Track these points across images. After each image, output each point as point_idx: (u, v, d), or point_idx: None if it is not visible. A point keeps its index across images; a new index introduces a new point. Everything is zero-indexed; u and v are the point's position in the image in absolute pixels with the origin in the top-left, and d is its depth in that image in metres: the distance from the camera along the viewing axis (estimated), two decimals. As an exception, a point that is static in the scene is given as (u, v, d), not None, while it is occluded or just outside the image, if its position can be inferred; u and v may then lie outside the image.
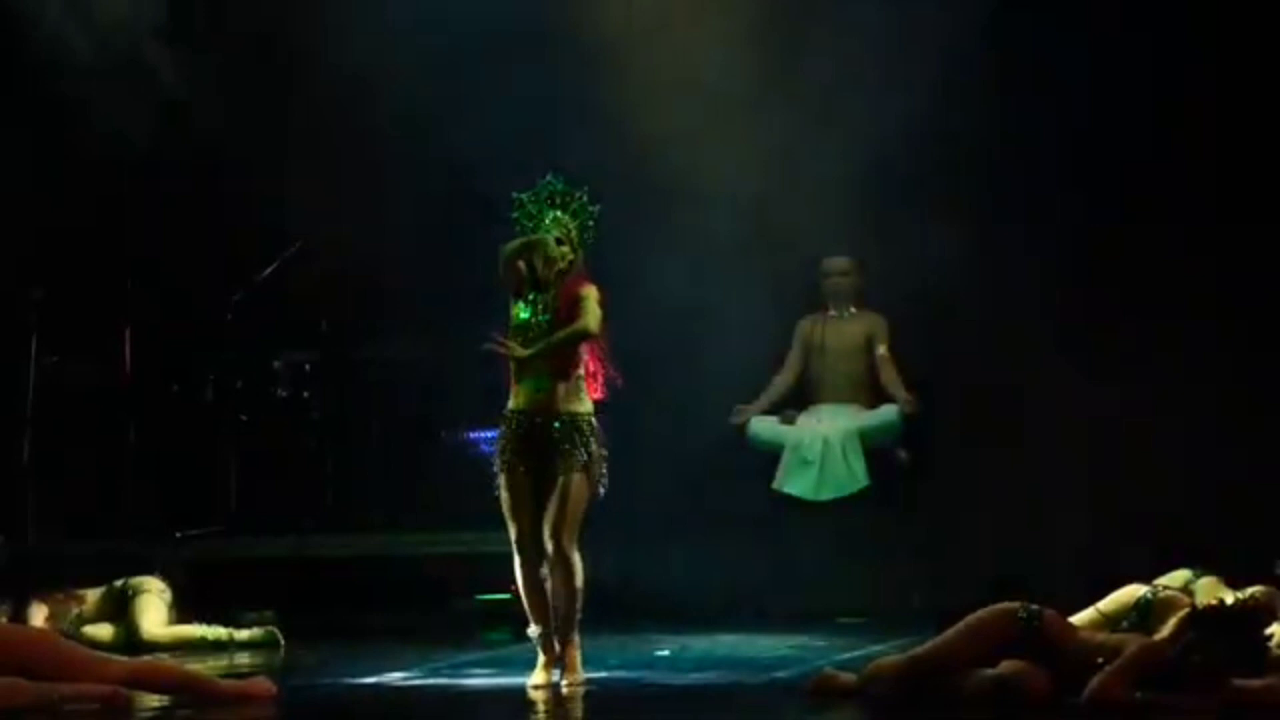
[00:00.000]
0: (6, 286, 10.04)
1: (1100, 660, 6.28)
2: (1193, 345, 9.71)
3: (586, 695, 7.03)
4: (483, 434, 10.46)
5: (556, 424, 7.09)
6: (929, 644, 6.54)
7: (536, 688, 7.05)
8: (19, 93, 10.40)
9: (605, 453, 7.18)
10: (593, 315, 7.08)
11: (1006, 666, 6.35)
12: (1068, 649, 6.35)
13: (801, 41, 10.20)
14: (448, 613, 9.71)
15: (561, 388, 7.12)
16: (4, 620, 7.71)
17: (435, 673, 7.67)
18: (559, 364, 7.11)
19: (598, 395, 7.23)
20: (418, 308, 10.57)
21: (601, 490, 7.19)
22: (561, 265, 7.15)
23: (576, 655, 7.16)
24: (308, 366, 10.51)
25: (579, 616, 7.13)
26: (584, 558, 7.15)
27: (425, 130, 10.05)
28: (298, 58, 10.58)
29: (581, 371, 7.18)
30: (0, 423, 9.84)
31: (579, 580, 7.09)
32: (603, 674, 7.45)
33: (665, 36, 10.23)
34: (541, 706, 6.86)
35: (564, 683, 7.08)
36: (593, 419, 7.17)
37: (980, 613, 6.49)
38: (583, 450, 7.10)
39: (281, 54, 10.63)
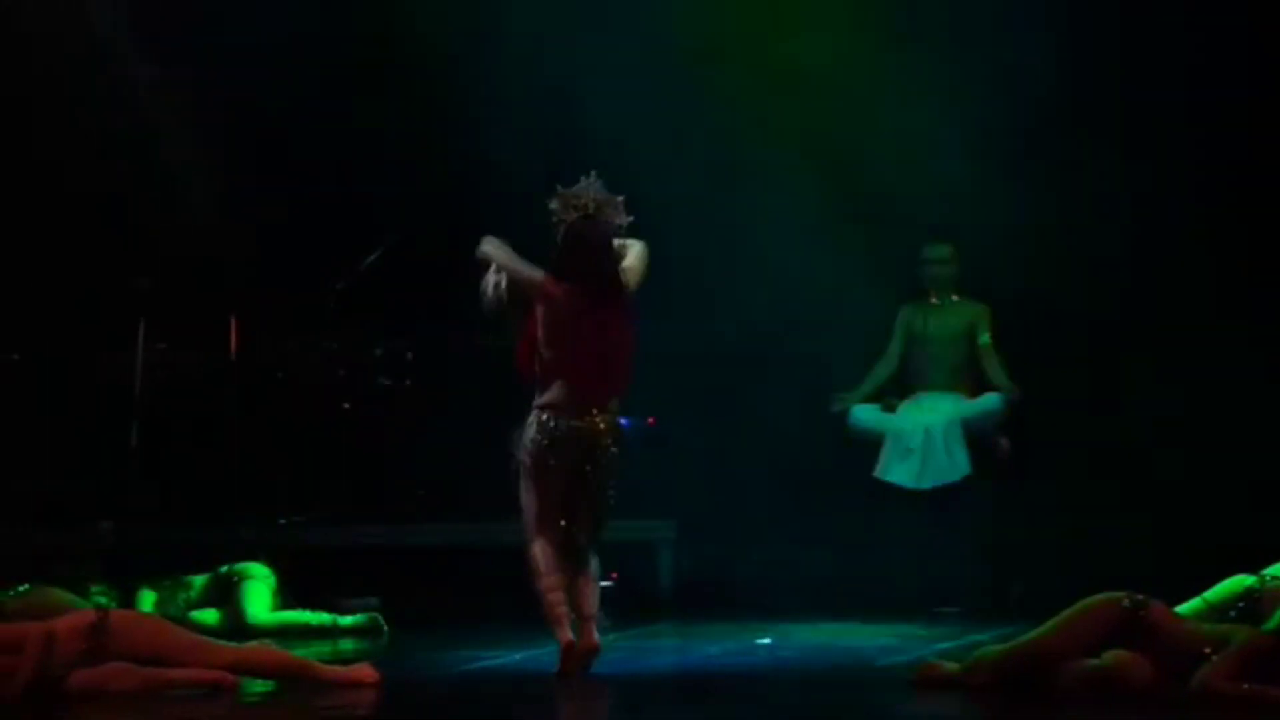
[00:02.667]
0: (114, 276, 10.15)
1: (1207, 651, 6.21)
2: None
3: (688, 681, 7.06)
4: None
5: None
6: (1032, 634, 6.49)
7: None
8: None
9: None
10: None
11: (1110, 657, 6.29)
12: (1173, 639, 6.28)
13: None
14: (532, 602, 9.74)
15: None
16: (113, 606, 7.80)
17: (536, 659, 7.70)
18: None
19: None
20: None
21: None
22: None
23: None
24: (409, 355, 10.56)
25: None
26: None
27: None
28: (388, 48, 10.63)
29: None
30: (108, 410, 9.95)
31: None
32: (703, 662, 7.46)
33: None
34: (643, 692, 6.88)
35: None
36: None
37: (1084, 602, 6.43)
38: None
39: (372, 46, 10.69)
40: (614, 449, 7.15)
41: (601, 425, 7.13)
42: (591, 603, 7.15)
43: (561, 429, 7.12)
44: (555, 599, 7.13)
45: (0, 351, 10.19)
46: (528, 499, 7.21)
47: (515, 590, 9.64)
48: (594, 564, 7.22)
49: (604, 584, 9.84)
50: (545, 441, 7.13)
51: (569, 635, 7.09)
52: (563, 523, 7.17)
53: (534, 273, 7.18)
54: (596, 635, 7.12)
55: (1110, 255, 10.20)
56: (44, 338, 10.26)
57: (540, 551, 7.17)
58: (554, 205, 7.22)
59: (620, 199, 7.22)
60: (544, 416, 7.14)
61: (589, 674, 7.08)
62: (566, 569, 7.16)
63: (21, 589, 7.31)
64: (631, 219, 7.21)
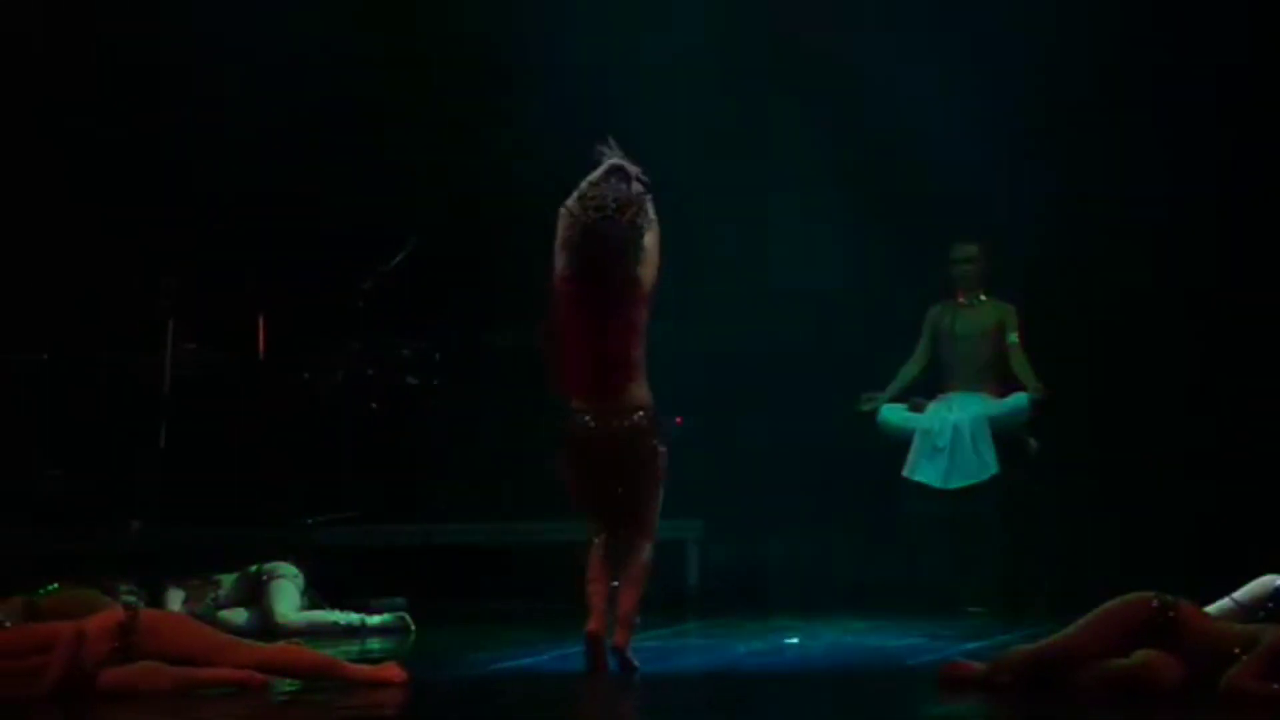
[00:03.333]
0: (143, 275, 10.18)
1: (1236, 651, 6.19)
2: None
3: (716, 681, 7.06)
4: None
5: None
6: (1060, 634, 6.48)
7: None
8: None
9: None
10: None
11: (1139, 657, 6.27)
12: (1202, 639, 6.26)
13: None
14: (579, 599, 9.74)
15: None
16: (141, 606, 7.82)
17: (565, 659, 7.70)
18: None
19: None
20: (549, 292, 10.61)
21: None
22: None
23: None
24: (437, 355, 10.58)
25: None
26: None
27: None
28: (437, 45, 10.66)
29: None
30: (137, 410, 9.98)
31: None
32: (731, 661, 7.46)
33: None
34: (670, 692, 6.88)
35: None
36: None
37: (1113, 602, 6.41)
38: None
39: (423, 44, 10.72)
40: (638, 451, 7.12)
41: (617, 426, 7.12)
42: (625, 604, 7.14)
43: (577, 429, 7.14)
44: (590, 590, 7.16)
45: (30, 351, 10.23)
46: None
47: (542, 590, 9.72)
48: (637, 565, 7.18)
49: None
50: (563, 442, 7.14)
51: (592, 624, 7.09)
52: (603, 522, 7.16)
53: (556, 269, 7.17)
54: (624, 638, 7.12)
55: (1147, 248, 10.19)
56: (72, 337, 10.29)
57: (591, 546, 7.20)
58: (572, 204, 7.18)
59: (646, 196, 7.18)
60: (566, 418, 7.16)
61: (618, 673, 7.08)
62: (611, 565, 7.17)
63: (52, 588, 7.34)
64: (652, 218, 7.16)
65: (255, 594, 9.07)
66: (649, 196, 7.16)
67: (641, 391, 7.17)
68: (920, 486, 9.83)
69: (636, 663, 7.13)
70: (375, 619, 8.97)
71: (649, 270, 7.12)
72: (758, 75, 10.34)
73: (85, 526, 9.70)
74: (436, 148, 10.69)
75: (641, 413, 7.15)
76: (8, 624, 6.88)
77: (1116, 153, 10.20)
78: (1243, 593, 7.02)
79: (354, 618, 8.96)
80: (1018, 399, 9.97)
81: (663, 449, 7.19)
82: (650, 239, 7.14)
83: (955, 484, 9.79)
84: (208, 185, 10.53)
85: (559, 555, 9.82)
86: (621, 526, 7.17)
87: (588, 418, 7.12)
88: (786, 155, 10.31)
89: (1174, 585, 6.49)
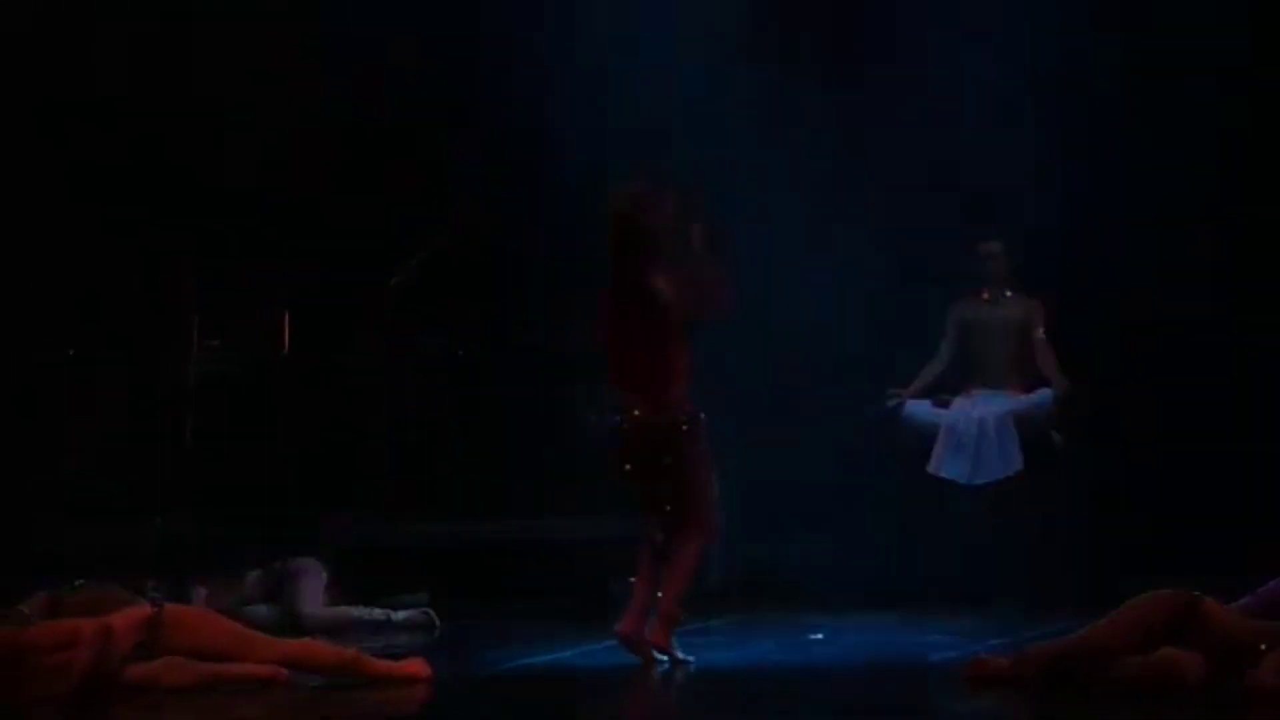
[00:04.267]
0: (167, 272, 10.20)
1: (1262, 647, 6.17)
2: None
3: (741, 676, 7.07)
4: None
5: None
6: (1085, 629, 6.46)
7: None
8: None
9: None
10: None
11: (1164, 653, 6.25)
12: (1227, 635, 6.24)
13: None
14: (602, 596, 9.75)
15: None
16: (165, 602, 7.84)
17: (589, 655, 7.70)
18: None
19: None
20: (573, 291, 10.61)
21: None
22: None
23: None
24: (460, 352, 10.59)
25: None
26: None
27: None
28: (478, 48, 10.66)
29: None
30: (162, 406, 10.01)
31: None
32: (758, 657, 7.45)
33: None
34: (697, 687, 6.88)
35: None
36: None
37: (1139, 598, 6.40)
38: None
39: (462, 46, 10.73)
40: (675, 450, 7.13)
41: (653, 423, 7.14)
42: (663, 600, 7.16)
43: (623, 425, 7.17)
44: (635, 587, 7.22)
45: (54, 348, 10.26)
46: None
47: (568, 586, 9.73)
48: (676, 560, 7.21)
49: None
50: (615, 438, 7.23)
51: (622, 624, 7.15)
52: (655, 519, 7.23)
53: None
54: (660, 634, 7.15)
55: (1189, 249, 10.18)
56: (96, 334, 10.32)
57: (644, 545, 7.30)
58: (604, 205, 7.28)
59: (673, 191, 7.22)
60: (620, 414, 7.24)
61: (666, 670, 7.09)
62: (655, 562, 7.24)
63: (77, 584, 7.36)
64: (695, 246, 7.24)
65: (279, 590, 9.09)
66: (689, 212, 7.22)
67: (677, 391, 7.17)
68: (945, 482, 9.81)
69: (682, 656, 7.16)
70: (399, 615, 8.98)
71: (675, 289, 7.13)
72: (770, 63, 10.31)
73: (110, 523, 9.73)
74: (465, 143, 10.71)
75: (677, 412, 7.16)
76: (34, 620, 6.90)
77: (1145, 148, 10.16)
78: (1269, 589, 7.00)
79: (378, 613, 8.98)
80: (1043, 395, 9.95)
81: (703, 448, 7.20)
82: (705, 271, 7.17)
83: (980, 480, 9.78)
84: (227, 183, 10.55)
85: (583, 552, 9.87)
86: (673, 525, 7.18)
87: (632, 414, 7.15)
88: (806, 151, 10.28)
89: (1199, 582, 6.48)
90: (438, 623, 8.94)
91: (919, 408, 10.07)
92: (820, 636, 8.12)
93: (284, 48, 10.47)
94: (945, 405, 10.03)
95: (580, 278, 10.18)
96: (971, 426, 9.83)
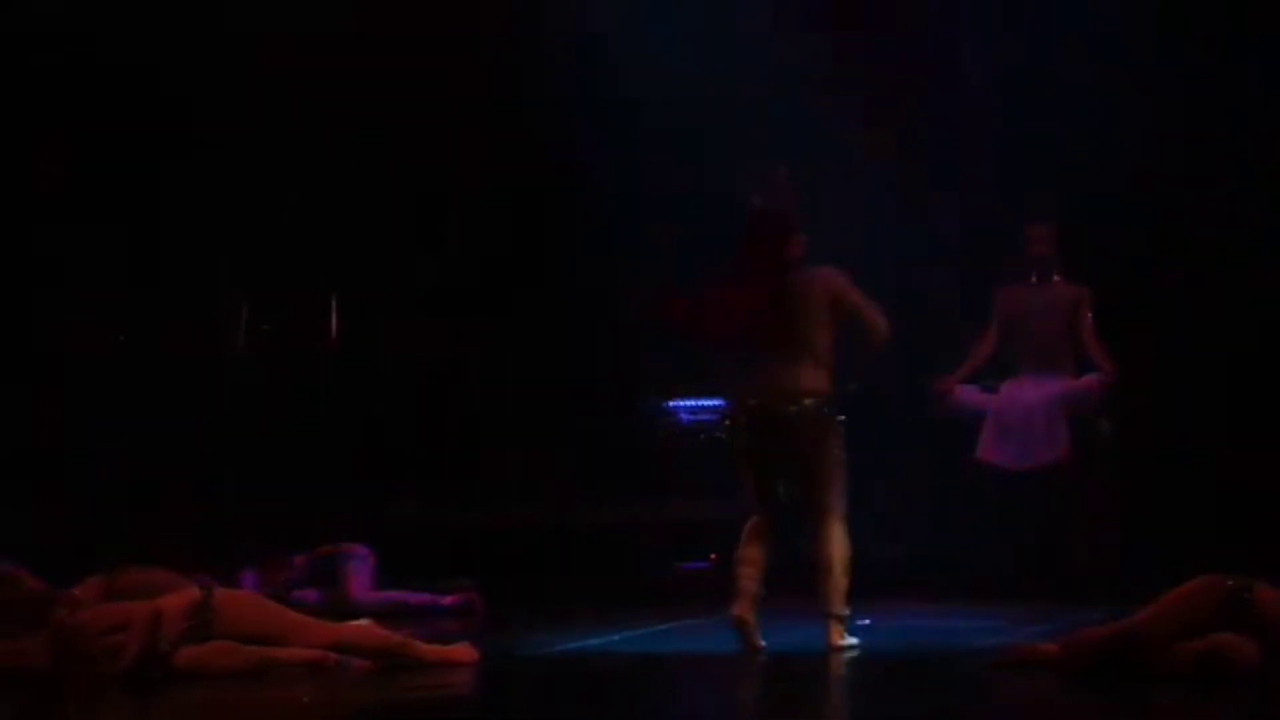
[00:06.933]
0: (218, 261, 10.25)
1: (1314, 633, 6.14)
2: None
3: (788, 661, 7.07)
4: (680, 404, 10.50)
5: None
6: (1136, 615, 6.44)
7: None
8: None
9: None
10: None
11: (1216, 638, 6.23)
12: (1278, 621, 6.21)
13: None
14: (647, 581, 9.77)
15: None
16: (215, 586, 7.87)
17: (633, 641, 7.72)
18: None
19: None
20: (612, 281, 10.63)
21: None
22: None
23: None
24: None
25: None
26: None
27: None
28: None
29: None
30: (213, 392, 10.06)
31: None
32: (803, 641, 7.45)
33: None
34: (737, 672, 6.89)
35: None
36: None
37: (1188, 585, 6.37)
38: None
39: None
40: (798, 436, 7.22)
41: (781, 411, 7.22)
42: (827, 596, 7.26)
43: (741, 412, 7.28)
44: (740, 572, 7.29)
45: (105, 334, 10.31)
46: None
47: (612, 572, 9.74)
48: (825, 553, 7.31)
49: (700, 565, 9.95)
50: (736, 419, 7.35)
51: (736, 609, 7.19)
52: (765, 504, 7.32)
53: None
54: (835, 633, 7.24)
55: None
56: (151, 318, 10.36)
57: (746, 527, 7.36)
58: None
59: (797, 184, 7.35)
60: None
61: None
62: (766, 549, 7.29)
63: (129, 568, 7.40)
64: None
65: (328, 574, 9.12)
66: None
67: (817, 377, 7.27)
68: (992, 468, 9.78)
69: (843, 641, 7.26)
70: (446, 599, 9.01)
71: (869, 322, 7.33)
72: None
73: (161, 508, 9.78)
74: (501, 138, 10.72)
75: (813, 398, 7.20)
76: (87, 604, 6.95)
77: (1187, 134, 10.13)
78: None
79: (425, 598, 9.00)
80: (1090, 380, 9.91)
81: (837, 436, 7.32)
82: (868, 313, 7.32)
83: (1027, 465, 9.75)
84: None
85: (628, 536, 9.88)
86: (807, 510, 7.30)
87: (761, 398, 7.24)
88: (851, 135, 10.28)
89: (1250, 567, 6.44)
90: (485, 607, 8.96)
91: (966, 392, 10.03)
92: (866, 621, 8.10)
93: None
94: (992, 390, 10.00)
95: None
96: (1019, 411, 9.79)
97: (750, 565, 7.26)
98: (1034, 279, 10.14)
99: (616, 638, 7.76)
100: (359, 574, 9.08)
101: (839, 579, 7.29)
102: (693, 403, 10.45)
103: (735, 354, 7.35)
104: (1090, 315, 9.98)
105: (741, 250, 7.30)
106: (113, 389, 10.14)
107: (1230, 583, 6.27)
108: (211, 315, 10.28)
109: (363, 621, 7.31)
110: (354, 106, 10.48)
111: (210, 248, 10.38)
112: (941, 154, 10.32)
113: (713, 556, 9.93)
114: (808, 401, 7.25)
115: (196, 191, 10.36)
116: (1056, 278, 10.11)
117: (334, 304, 10.28)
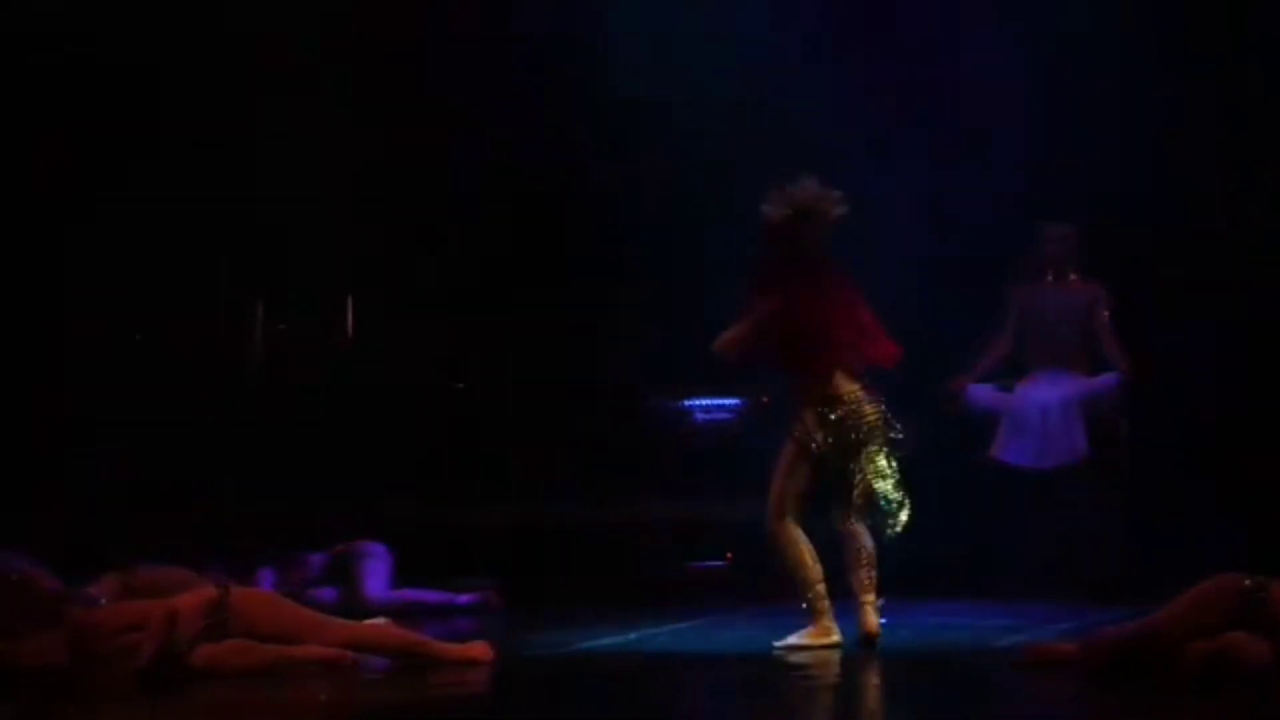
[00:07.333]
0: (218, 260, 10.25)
1: (1331, 633, 6.13)
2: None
3: (794, 659, 7.08)
4: (697, 403, 10.49)
5: None
6: (1151, 615, 6.43)
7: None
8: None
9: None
10: None
11: (1231, 638, 6.22)
12: (1296, 621, 6.20)
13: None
14: (663, 580, 9.76)
15: None
16: (232, 585, 7.89)
17: (651, 639, 7.72)
18: None
19: None
20: (638, 280, 10.61)
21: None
22: None
23: None
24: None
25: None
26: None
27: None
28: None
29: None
30: (230, 389, 10.06)
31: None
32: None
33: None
34: (764, 670, 6.89)
35: None
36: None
37: (1204, 584, 6.36)
38: None
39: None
40: (855, 434, 7.35)
41: (834, 412, 7.35)
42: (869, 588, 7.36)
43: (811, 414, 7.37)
44: (820, 590, 7.47)
45: (123, 331, 10.32)
46: None
47: (628, 570, 9.74)
48: (854, 546, 7.43)
49: (717, 564, 9.95)
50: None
51: (864, 628, 7.34)
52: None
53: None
54: (869, 623, 7.33)
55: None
56: (162, 316, 10.37)
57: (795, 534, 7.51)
58: (766, 207, 7.32)
59: (837, 193, 7.33)
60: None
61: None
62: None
63: (145, 567, 7.41)
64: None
65: (344, 573, 9.13)
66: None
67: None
68: (1009, 467, 9.77)
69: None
70: (463, 598, 9.01)
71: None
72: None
73: (177, 507, 9.79)
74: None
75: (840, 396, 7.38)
76: (103, 602, 6.96)
77: (1202, 133, 10.10)
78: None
79: (442, 596, 9.01)
80: (1108, 379, 9.89)
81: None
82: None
83: (1045, 464, 9.73)
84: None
85: (646, 536, 9.87)
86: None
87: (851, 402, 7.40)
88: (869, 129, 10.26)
89: (1267, 567, 6.43)
90: (501, 605, 8.97)
91: (982, 392, 10.02)
92: (884, 620, 8.09)
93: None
94: (1008, 390, 9.98)
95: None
96: (1036, 410, 9.77)
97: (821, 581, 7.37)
98: (1050, 278, 10.12)
99: (632, 636, 7.76)
100: (376, 573, 9.08)
101: (874, 570, 7.42)
102: (707, 401, 10.45)
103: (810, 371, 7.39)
104: (1107, 314, 9.96)
105: (808, 270, 7.33)
106: (112, 389, 10.14)
107: (1247, 582, 6.26)
108: (213, 315, 10.28)
109: (379, 620, 7.32)
110: (354, 106, 10.48)
111: (211, 247, 10.37)
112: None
113: (729, 555, 9.95)
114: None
115: (196, 191, 10.36)
116: (1073, 276, 10.09)
117: (349, 304, 10.28)
